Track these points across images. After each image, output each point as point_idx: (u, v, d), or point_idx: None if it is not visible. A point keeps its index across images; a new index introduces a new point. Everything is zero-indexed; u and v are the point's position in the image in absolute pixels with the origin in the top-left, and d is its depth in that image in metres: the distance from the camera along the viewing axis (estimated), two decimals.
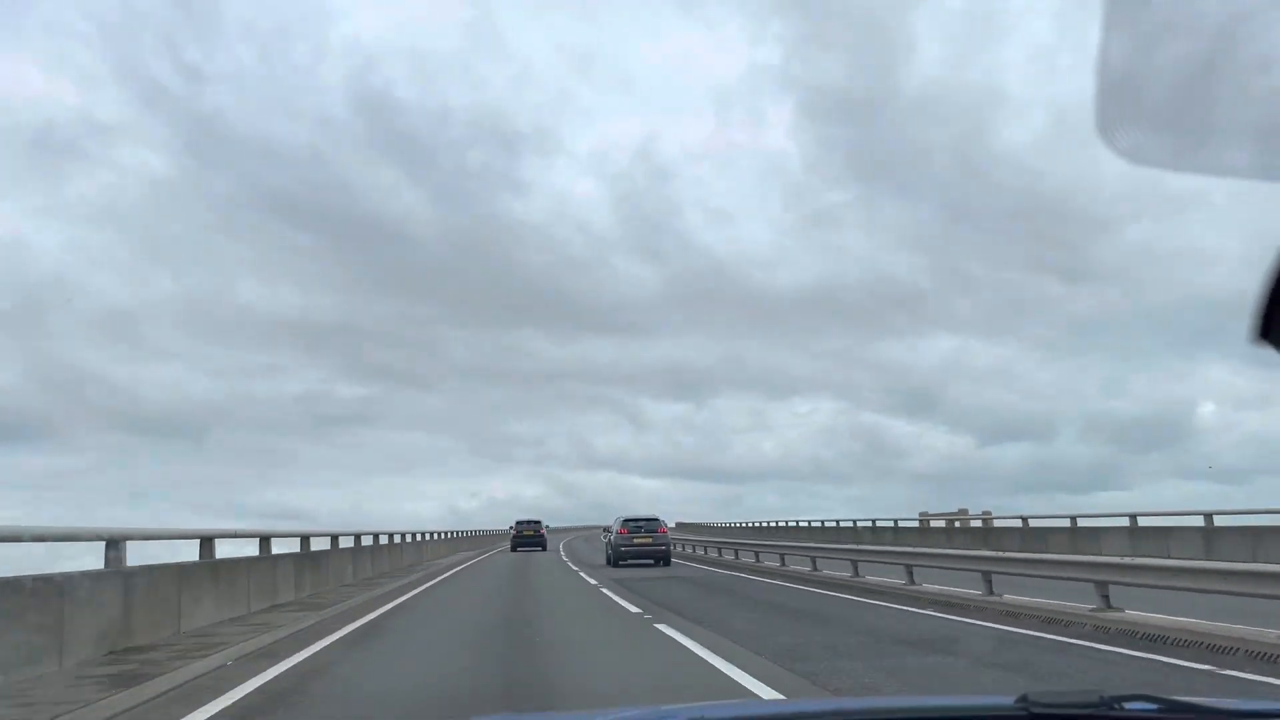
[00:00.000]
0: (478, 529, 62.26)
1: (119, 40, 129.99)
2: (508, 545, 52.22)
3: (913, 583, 16.96)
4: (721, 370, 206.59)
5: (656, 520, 31.57)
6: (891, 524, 41.20)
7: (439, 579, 25.01)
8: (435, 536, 41.60)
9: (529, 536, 49.48)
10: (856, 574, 20.12)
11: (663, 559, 30.93)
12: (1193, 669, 8.29)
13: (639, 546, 30.56)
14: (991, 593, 14.15)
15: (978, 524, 37.87)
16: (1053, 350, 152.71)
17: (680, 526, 68.97)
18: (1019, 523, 32.29)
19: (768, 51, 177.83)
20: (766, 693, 7.50)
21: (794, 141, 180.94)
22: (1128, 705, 1.77)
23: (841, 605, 15.47)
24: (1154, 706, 1.78)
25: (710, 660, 9.22)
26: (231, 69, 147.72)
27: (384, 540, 28.62)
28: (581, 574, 25.96)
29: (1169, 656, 8.91)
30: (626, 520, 31.38)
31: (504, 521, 68.18)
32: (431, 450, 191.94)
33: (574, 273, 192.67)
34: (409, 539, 33.97)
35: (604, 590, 19.32)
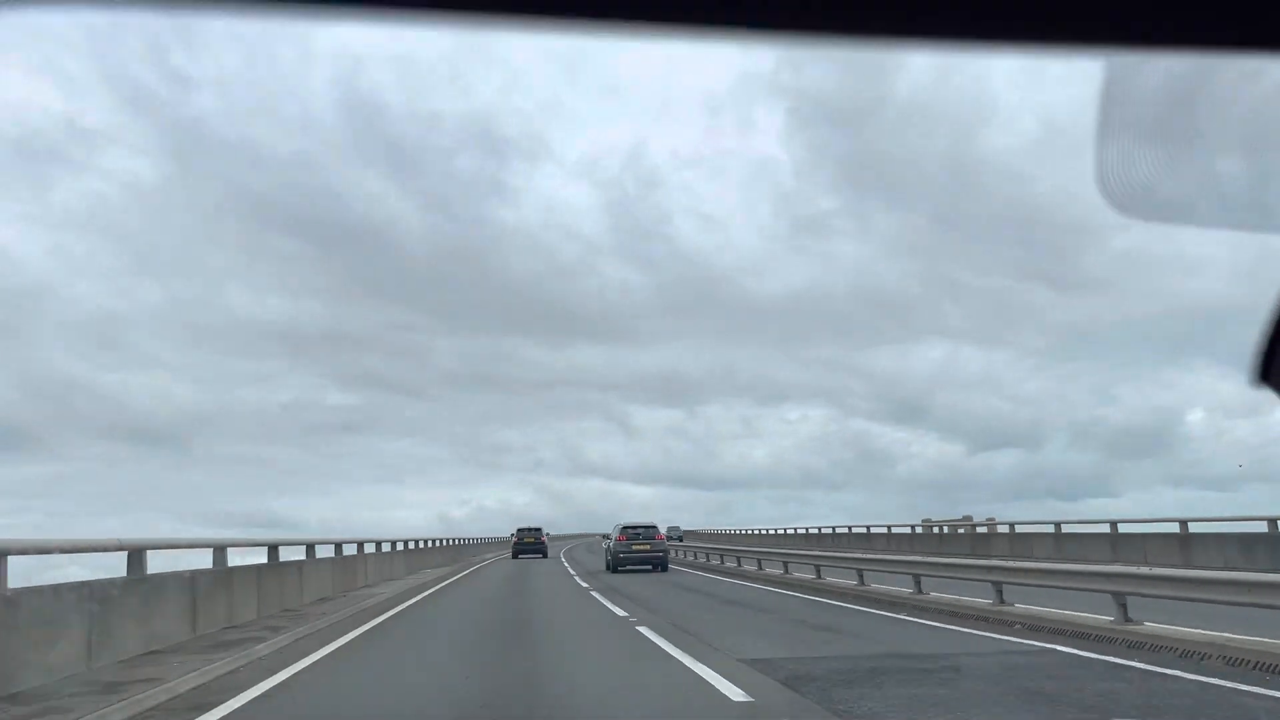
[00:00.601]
0: (477, 536, 61.59)
1: (104, 45, 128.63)
2: (503, 554, 52.44)
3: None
4: (712, 377, 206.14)
5: (654, 528, 32.34)
6: (906, 529, 41.03)
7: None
8: (401, 546, 31.94)
9: (530, 544, 49.90)
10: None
11: (660, 565, 31.65)
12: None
13: (637, 553, 31.35)
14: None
15: (983, 529, 37.54)
16: (1042, 358, 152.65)
17: (687, 534, 69.40)
18: (1042, 530, 31.72)
19: (758, 58, 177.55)
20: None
21: (784, 149, 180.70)
22: None
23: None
24: None
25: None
26: (217, 74, 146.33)
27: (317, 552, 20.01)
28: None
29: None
30: (625, 528, 32.12)
31: (492, 530, 67.79)
32: (421, 458, 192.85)
33: (563, 280, 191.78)
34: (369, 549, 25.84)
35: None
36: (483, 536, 62.99)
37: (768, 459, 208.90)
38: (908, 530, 41.39)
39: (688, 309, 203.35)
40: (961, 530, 39.20)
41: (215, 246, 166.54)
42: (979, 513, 43.99)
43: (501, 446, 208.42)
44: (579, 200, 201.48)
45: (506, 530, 58.08)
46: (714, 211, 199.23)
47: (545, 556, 48.36)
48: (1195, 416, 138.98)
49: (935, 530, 40.99)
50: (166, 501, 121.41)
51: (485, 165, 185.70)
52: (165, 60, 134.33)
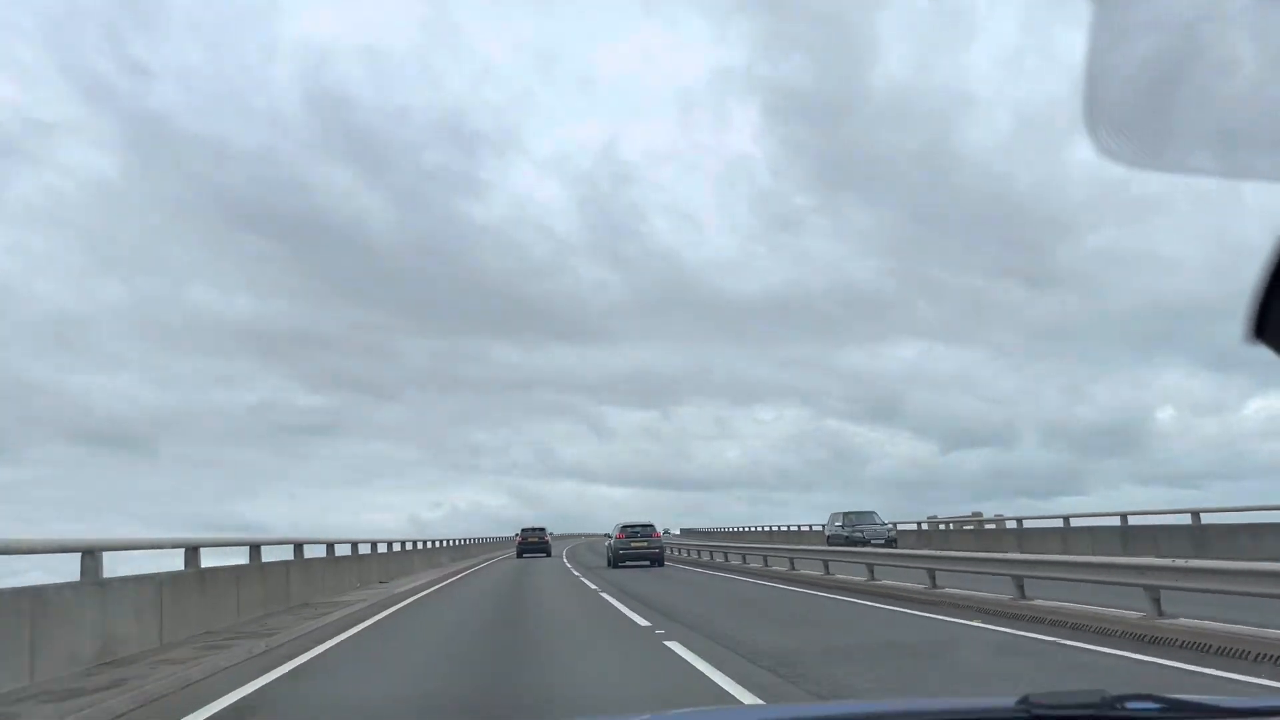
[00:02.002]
0: (480, 536, 60.98)
1: (59, 34, 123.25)
2: (489, 562, 52.38)
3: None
4: (686, 377, 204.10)
5: (650, 526, 34.85)
6: (913, 526, 40.79)
7: None
8: (412, 546, 33.85)
9: (534, 543, 51.51)
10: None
11: (657, 560, 33.84)
12: None
13: (636, 550, 33.56)
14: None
15: (991, 526, 37.14)
16: (1015, 356, 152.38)
17: (685, 532, 71.22)
18: (1051, 524, 31.27)
19: (732, 52, 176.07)
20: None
21: (759, 145, 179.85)
22: (1130, 705, 1.75)
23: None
24: (1156, 705, 1.77)
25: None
26: (178, 65, 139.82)
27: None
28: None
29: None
30: (624, 527, 34.44)
31: (484, 530, 67.38)
32: (393, 461, 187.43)
33: (536, 278, 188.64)
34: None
35: None
36: (483, 536, 62.53)
37: (741, 459, 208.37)
38: (914, 527, 41.17)
39: (662, 308, 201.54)
40: (969, 527, 38.81)
41: (179, 243, 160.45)
42: (948, 512, 44.00)
43: (474, 448, 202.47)
44: (551, 196, 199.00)
45: (510, 530, 58.73)
46: (688, 209, 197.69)
47: (549, 555, 49.71)
48: (1165, 414, 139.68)
49: (942, 527, 40.70)
50: (133, 506, 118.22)
51: (455, 160, 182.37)
52: (124, 50, 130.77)
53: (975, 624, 12.33)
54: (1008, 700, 1.79)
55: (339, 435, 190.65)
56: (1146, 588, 10.42)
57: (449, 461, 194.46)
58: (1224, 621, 9.77)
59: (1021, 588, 13.55)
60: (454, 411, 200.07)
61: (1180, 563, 10.08)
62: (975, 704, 1.91)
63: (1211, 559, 11.77)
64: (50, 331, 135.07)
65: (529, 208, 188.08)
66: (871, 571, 19.78)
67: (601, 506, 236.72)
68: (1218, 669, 8.13)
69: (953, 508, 54.22)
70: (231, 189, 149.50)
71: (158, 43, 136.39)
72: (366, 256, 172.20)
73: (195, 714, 7.44)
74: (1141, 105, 0.98)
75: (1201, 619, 10.03)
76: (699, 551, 40.89)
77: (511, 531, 52.58)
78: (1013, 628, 11.77)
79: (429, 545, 38.49)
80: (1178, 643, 9.55)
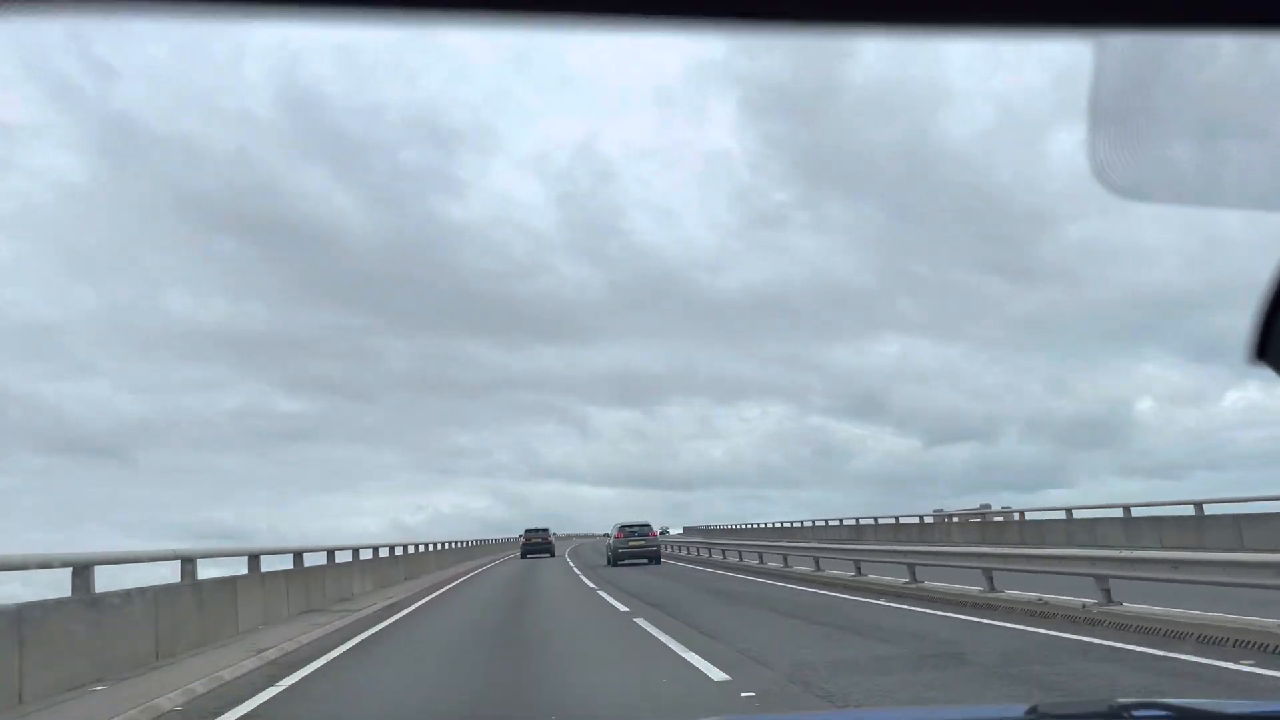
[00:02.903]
0: (482, 538, 61.03)
1: (21, 35, 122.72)
2: (478, 569, 53.01)
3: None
4: (669, 376, 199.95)
5: (648, 526, 36.08)
6: (915, 519, 40.72)
7: None
8: (425, 548, 35.66)
9: (538, 544, 52.36)
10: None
11: (654, 558, 34.95)
12: None
13: (634, 548, 34.62)
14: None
15: (999, 519, 37.05)
16: (998, 350, 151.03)
17: (687, 530, 71.86)
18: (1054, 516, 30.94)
19: (710, 46, 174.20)
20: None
21: (738, 140, 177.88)
22: (1138, 713, 1.73)
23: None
24: (1165, 713, 1.76)
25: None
26: (145, 65, 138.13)
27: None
28: None
29: None
30: (623, 526, 35.73)
31: (449, 534, 66.65)
32: (374, 464, 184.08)
33: (517, 278, 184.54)
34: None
35: None
36: (486, 538, 62.51)
37: (726, 457, 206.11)
38: (916, 520, 41.05)
39: (644, 306, 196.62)
40: (975, 520, 38.71)
41: (152, 248, 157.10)
42: (931, 506, 44.05)
43: (456, 451, 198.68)
44: (530, 195, 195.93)
45: (509, 531, 58.96)
46: (669, 205, 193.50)
47: (553, 555, 50.35)
48: (1145, 405, 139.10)
49: (947, 520, 40.55)
50: (112, 515, 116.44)
51: (432, 159, 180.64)
52: (88, 51, 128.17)
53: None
54: (1018, 709, 1.79)
55: (320, 440, 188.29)
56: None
57: (431, 465, 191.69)
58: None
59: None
60: (436, 414, 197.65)
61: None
62: (985, 713, 1.96)
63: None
64: (23, 339, 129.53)
65: (508, 206, 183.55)
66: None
67: (586, 507, 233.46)
68: None
69: (939, 502, 54.39)
70: (204, 191, 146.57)
71: (122, 42, 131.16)
72: (344, 258, 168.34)
73: None
74: (1152, 143, 1.00)
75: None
76: (698, 549, 41.22)
77: (512, 533, 52.99)
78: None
79: (439, 547, 40.13)
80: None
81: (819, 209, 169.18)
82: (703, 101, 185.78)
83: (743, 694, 7.60)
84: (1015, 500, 48.34)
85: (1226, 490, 23.88)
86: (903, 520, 41.69)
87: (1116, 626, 10.39)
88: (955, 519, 40.00)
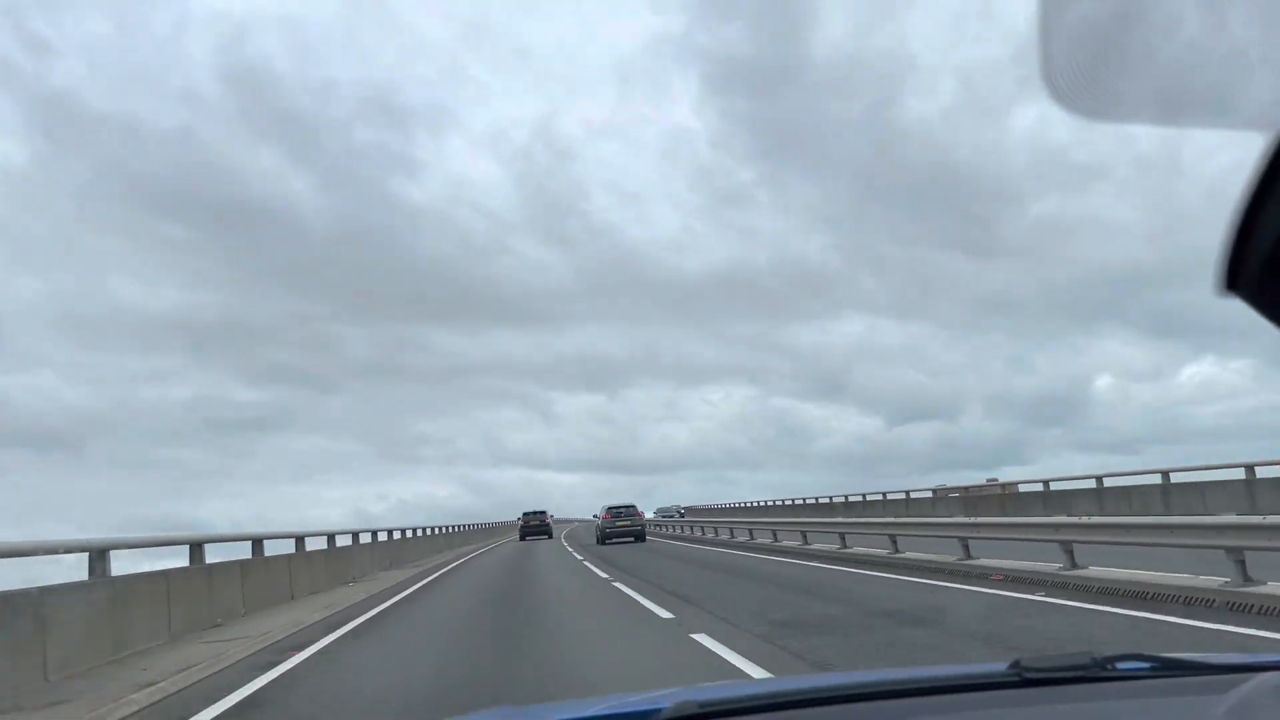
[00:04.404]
0: (482, 521, 61.18)
1: None
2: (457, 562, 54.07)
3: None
4: (633, 359, 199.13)
5: (633, 507, 39.16)
6: (923, 494, 40.89)
7: None
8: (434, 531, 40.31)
9: (536, 526, 53.93)
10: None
11: (639, 537, 37.53)
12: None
13: (620, 527, 37.49)
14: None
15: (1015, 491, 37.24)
16: (960, 329, 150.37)
17: (689, 510, 73.22)
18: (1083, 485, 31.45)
19: (670, 19, 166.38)
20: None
21: (700, 117, 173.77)
22: (1120, 665, 1.75)
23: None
24: (1146, 665, 1.78)
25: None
26: (83, 40, 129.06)
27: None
28: None
29: None
30: (610, 508, 38.80)
31: (402, 522, 67.10)
32: (335, 454, 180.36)
33: (476, 260, 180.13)
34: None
35: None
36: (479, 522, 62.66)
37: (691, 440, 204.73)
38: (925, 495, 41.28)
39: (607, 289, 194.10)
40: (988, 493, 38.83)
41: (96, 232, 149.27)
42: (895, 485, 44.57)
43: (419, 439, 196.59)
44: (488, 175, 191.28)
45: (512, 514, 59.51)
46: (630, 185, 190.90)
47: (550, 537, 51.44)
48: (1103, 382, 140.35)
49: (954, 495, 40.58)
50: (63, 510, 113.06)
51: (387, 138, 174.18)
52: (23, 26, 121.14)
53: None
54: (999, 665, 1.80)
55: (278, 430, 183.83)
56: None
57: (393, 453, 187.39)
58: None
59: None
60: (397, 402, 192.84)
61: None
62: (969, 670, 1.92)
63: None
64: None
65: (466, 187, 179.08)
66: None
67: (552, 493, 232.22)
68: None
69: (900, 481, 54.79)
70: (149, 173, 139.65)
71: (60, 15, 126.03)
72: (298, 242, 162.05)
73: None
74: (1103, 55, 0.94)
75: None
76: (684, 528, 44.08)
77: (480, 519, 54.05)
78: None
79: (446, 531, 42.46)
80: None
81: (781, 187, 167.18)
82: (664, 77, 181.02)
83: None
84: (974, 479, 49.09)
85: (1183, 463, 24.70)
86: (890, 497, 42.15)
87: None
88: (955, 494, 40.35)
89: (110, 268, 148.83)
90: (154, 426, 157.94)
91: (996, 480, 40.29)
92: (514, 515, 60.09)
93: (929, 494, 40.95)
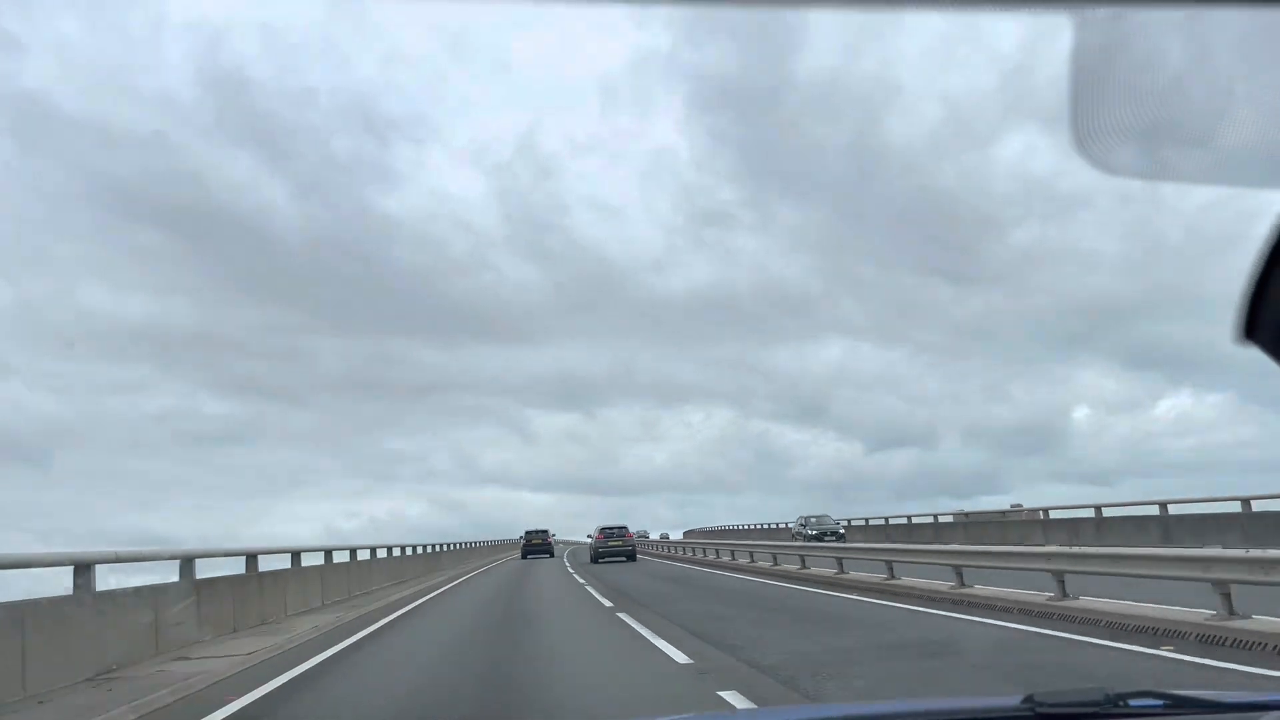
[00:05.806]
0: (484, 539, 61.13)
1: None
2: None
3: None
4: (611, 378, 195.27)
5: (625, 528, 40.63)
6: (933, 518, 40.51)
7: None
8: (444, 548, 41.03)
9: (538, 545, 54.46)
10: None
11: (630, 556, 39.11)
12: None
13: (613, 548, 38.96)
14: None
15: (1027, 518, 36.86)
16: (939, 354, 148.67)
17: (687, 534, 73.00)
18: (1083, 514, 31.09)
19: (655, 37, 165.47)
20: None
21: (683, 136, 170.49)
22: (1133, 702, 1.76)
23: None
24: (1159, 703, 1.78)
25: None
26: (55, 39, 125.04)
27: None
28: None
29: None
30: (603, 528, 40.29)
31: (378, 541, 66.33)
32: (307, 469, 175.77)
33: (454, 275, 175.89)
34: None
35: None
36: (479, 540, 62.31)
37: (668, 462, 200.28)
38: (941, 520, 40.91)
39: (586, 306, 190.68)
40: (1012, 519, 38.48)
41: (66, 238, 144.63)
42: (874, 511, 45.15)
43: (392, 455, 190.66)
44: (469, 189, 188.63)
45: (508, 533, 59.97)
46: (612, 202, 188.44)
47: (552, 556, 52.21)
48: (1080, 413, 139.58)
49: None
50: (26, 522, 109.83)
51: (366, 148, 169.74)
52: None
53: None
54: (1013, 699, 1.78)
55: (250, 443, 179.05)
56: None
57: (366, 470, 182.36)
58: None
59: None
60: (370, 417, 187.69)
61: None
62: (981, 703, 1.90)
63: None
64: None
65: (446, 201, 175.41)
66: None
67: (525, 513, 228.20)
68: None
69: (877, 507, 54.49)
70: (121, 178, 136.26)
71: (29, 11, 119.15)
72: (273, 252, 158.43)
73: None
74: (1134, 118, 0.95)
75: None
76: (681, 549, 44.46)
77: (454, 538, 54.47)
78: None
79: (453, 547, 44.19)
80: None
81: (764, 208, 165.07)
82: (648, 95, 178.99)
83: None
84: (951, 507, 49.78)
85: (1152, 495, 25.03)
86: (917, 520, 41.46)
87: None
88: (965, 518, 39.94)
89: (79, 274, 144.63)
90: (122, 438, 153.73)
91: (1020, 505, 40.17)
92: (488, 535, 63.25)
93: (950, 518, 40.71)
